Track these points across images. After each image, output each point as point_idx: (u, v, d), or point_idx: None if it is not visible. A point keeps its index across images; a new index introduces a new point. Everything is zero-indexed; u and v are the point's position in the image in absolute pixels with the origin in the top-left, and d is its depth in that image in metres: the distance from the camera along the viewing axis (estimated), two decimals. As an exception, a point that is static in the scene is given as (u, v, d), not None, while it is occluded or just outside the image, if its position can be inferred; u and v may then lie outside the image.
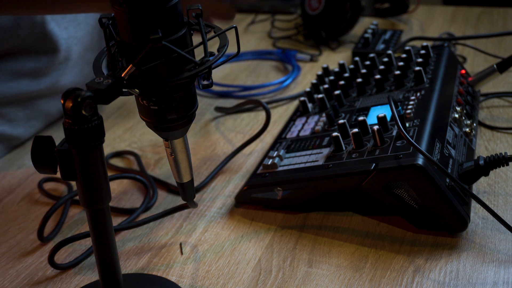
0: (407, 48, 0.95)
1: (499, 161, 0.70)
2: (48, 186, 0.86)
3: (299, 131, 0.86)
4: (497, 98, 1.00)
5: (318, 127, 0.84)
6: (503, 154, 0.70)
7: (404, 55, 0.94)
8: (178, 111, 0.55)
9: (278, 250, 0.70)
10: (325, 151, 0.76)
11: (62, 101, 0.49)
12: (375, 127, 0.72)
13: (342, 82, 0.92)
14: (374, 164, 0.68)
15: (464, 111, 0.85)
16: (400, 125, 0.69)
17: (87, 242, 0.74)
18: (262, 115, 1.02)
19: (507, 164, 0.71)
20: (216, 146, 0.94)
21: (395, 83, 0.87)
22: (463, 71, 0.95)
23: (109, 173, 0.88)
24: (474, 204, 0.73)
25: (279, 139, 0.87)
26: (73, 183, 0.85)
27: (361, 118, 0.75)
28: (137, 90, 0.54)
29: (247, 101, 0.99)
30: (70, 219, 0.79)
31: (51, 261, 0.69)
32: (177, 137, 0.59)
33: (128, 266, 0.70)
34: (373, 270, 0.66)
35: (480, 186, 0.78)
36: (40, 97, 1.01)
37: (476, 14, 1.41)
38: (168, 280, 0.67)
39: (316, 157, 0.76)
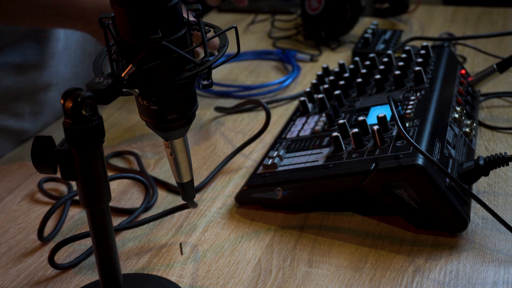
0: (407, 48, 0.95)
1: (499, 161, 0.70)
2: (48, 186, 0.86)
3: (299, 131, 0.86)
4: (497, 98, 1.00)
5: (318, 127, 0.84)
6: (503, 154, 0.70)
7: (404, 55, 0.94)
8: (178, 111, 0.55)
9: (278, 250, 0.70)
10: (325, 151, 0.76)
11: (62, 101, 0.49)
12: (375, 127, 0.72)
13: (342, 82, 0.92)
14: (374, 164, 0.68)
15: (464, 111, 0.85)
16: (400, 125, 0.69)
17: (87, 242, 0.74)
18: (262, 115, 1.02)
19: (507, 164, 0.71)
20: (216, 146, 0.94)
21: (395, 83, 0.87)
22: (463, 71, 0.95)
23: (109, 173, 0.88)
24: (474, 204, 0.73)
25: (279, 139, 0.87)
26: (73, 183, 0.85)
27: (361, 118, 0.75)
28: (137, 90, 0.54)
29: (247, 101, 0.99)
30: (70, 219, 0.79)
31: (51, 261, 0.69)
32: (177, 137, 0.59)
33: (128, 266, 0.70)
34: (373, 270, 0.66)
35: (480, 186, 0.78)
36: (44, 90, 1.02)
37: (476, 14, 1.41)
38: (168, 280, 0.67)
39: (316, 157, 0.76)
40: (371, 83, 0.93)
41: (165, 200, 0.82)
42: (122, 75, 0.51)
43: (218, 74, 1.19)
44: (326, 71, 1.01)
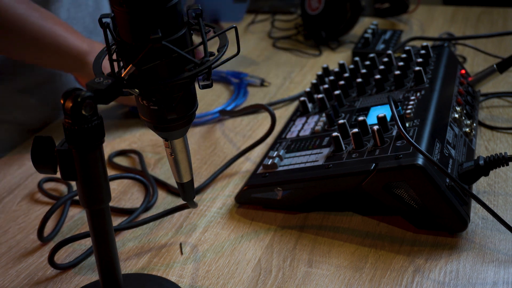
0: (407, 48, 0.95)
1: (499, 161, 0.70)
2: (48, 186, 0.86)
3: (299, 131, 0.86)
4: (497, 98, 1.00)
5: (318, 127, 0.84)
6: (503, 154, 0.70)
7: (404, 55, 0.94)
8: (178, 111, 0.55)
9: (278, 250, 0.70)
10: (325, 151, 0.76)
11: (62, 101, 0.49)
12: (375, 127, 0.71)
13: (342, 82, 0.92)
14: (374, 164, 0.68)
15: (464, 111, 0.85)
16: (400, 125, 0.69)
17: (87, 242, 0.74)
18: (262, 115, 1.02)
19: (507, 164, 0.71)
20: (216, 146, 0.94)
21: (395, 83, 0.87)
22: (463, 71, 0.95)
23: (111, 172, 0.88)
24: (474, 204, 0.73)
25: (279, 139, 0.87)
26: (73, 183, 0.85)
27: (361, 118, 0.75)
28: (137, 90, 0.54)
29: (252, 105, 0.98)
30: (70, 219, 0.79)
31: (51, 261, 0.69)
32: (177, 137, 0.59)
33: (128, 266, 0.70)
34: (373, 270, 0.66)
35: (480, 186, 0.78)
36: (47, 83, 1.04)
37: (476, 14, 1.41)
38: (168, 280, 0.67)
39: (316, 157, 0.76)
40: (371, 83, 0.93)
41: (165, 200, 0.82)
42: (122, 75, 0.51)
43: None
44: (326, 71, 1.01)
